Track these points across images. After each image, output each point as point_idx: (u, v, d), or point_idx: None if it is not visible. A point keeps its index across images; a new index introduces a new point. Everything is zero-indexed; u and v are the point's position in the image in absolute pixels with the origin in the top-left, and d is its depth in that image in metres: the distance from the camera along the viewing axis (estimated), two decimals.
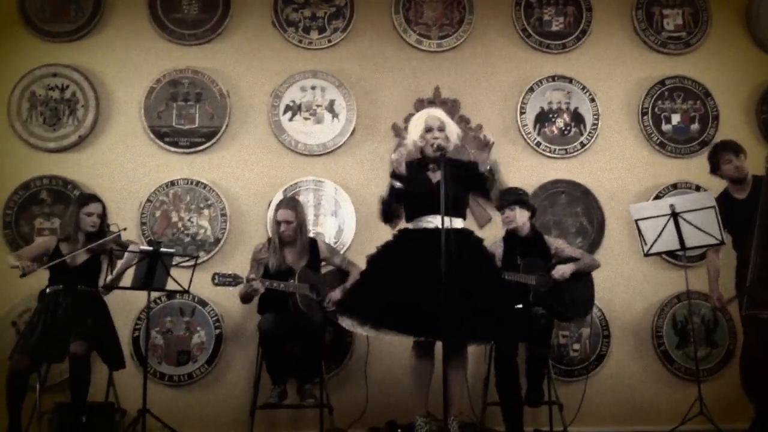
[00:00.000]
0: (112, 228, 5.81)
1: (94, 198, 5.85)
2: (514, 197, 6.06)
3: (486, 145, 4.77)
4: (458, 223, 4.79)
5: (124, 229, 5.82)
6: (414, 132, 4.93)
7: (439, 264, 4.27)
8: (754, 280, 5.31)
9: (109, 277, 5.72)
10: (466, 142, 6.88)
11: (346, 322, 4.68)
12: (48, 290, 5.69)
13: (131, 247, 5.67)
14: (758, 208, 5.41)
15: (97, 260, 5.76)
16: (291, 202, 6.16)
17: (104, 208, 5.83)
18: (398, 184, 4.76)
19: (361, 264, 5.69)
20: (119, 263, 5.73)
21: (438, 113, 4.98)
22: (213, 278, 5.71)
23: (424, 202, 4.73)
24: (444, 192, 4.41)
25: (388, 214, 4.95)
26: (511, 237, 6.14)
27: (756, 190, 5.56)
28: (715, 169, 5.89)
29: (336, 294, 5.98)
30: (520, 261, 5.96)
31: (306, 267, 5.97)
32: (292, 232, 5.99)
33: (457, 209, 4.80)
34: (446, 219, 4.42)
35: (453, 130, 4.93)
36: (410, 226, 4.85)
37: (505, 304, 4.82)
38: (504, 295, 4.87)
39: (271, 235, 6.14)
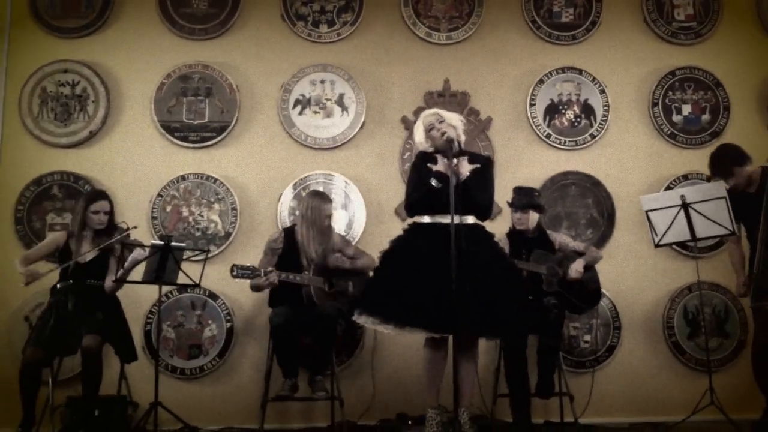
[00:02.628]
0: (121, 225, 5.81)
1: (101, 195, 5.87)
2: (528, 200, 6.08)
3: None
4: (470, 219, 4.77)
5: (135, 227, 5.77)
6: (419, 137, 4.95)
7: (449, 259, 4.29)
8: (760, 272, 5.30)
9: (111, 278, 5.72)
10: (475, 135, 6.90)
11: (365, 320, 4.64)
12: (58, 286, 5.73)
13: (135, 252, 5.63)
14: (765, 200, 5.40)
15: (106, 257, 5.78)
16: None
17: (112, 205, 5.85)
18: (435, 183, 4.73)
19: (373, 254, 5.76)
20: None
21: (430, 111, 5.01)
22: (232, 270, 5.66)
23: (436, 198, 4.72)
24: (453, 184, 4.45)
25: (419, 206, 4.88)
26: (515, 234, 6.16)
27: (765, 182, 5.54)
28: None
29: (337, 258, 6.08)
30: (526, 255, 5.98)
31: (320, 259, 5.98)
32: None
33: (470, 207, 4.77)
34: (458, 216, 4.45)
35: (453, 118, 4.93)
36: (423, 220, 4.83)
37: (516, 298, 4.81)
38: (515, 289, 4.86)
39: (302, 226, 6.03)
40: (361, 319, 4.66)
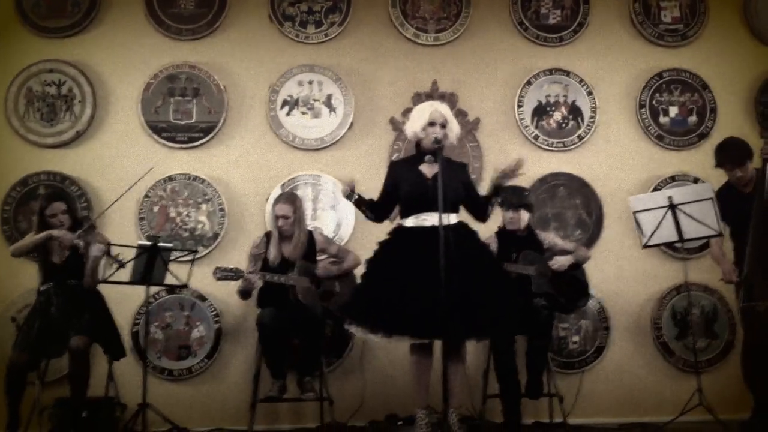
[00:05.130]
0: (85, 220, 5.81)
1: (53, 197, 5.80)
2: (519, 199, 6.08)
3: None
4: (453, 218, 4.78)
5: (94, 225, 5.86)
6: (417, 123, 4.87)
7: (438, 263, 4.28)
8: (750, 272, 5.32)
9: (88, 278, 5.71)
10: (463, 136, 6.89)
11: (355, 329, 4.67)
12: (42, 288, 5.71)
13: (93, 248, 5.62)
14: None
15: (77, 254, 5.70)
16: (289, 197, 6.15)
17: (68, 202, 5.79)
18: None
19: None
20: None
21: (443, 109, 4.91)
22: (214, 272, 5.70)
23: (418, 199, 4.74)
24: (441, 187, 4.43)
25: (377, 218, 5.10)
26: (504, 232, 6.16)
27: (757, 183, 5.56)
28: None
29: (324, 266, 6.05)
30: (516, 255, 5.98)
31: (305, 260, 5.96)
32: (289, 226, 5.99)
33: (453, 204, 4.80)
34: (442, 215, 4.44)
35: (454, 129, 4.91)
36: (406, 223, 4.84)
37: (504, 297, 4.83)
38: (503, 288, 4.89)
39: (270, 229, 6.15)
40: (351, 329, 4.70)
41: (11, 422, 5.37)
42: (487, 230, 6.24)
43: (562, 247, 6.20)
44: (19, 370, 5.40)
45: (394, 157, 6.80)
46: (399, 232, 4.88)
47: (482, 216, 5.07)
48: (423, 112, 4.88)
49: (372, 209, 5.01)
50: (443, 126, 4.82)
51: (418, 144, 4.96)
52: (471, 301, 4.46)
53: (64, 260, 5.67)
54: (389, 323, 4.51)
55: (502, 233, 6.15)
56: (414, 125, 4.90)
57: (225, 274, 5.69)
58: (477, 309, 4.50)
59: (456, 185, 4.84)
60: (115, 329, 5.81)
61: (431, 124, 4.81)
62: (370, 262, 4.86)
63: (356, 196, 4.92)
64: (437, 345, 4.72)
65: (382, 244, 4.87)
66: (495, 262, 5.27)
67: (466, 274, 4.48)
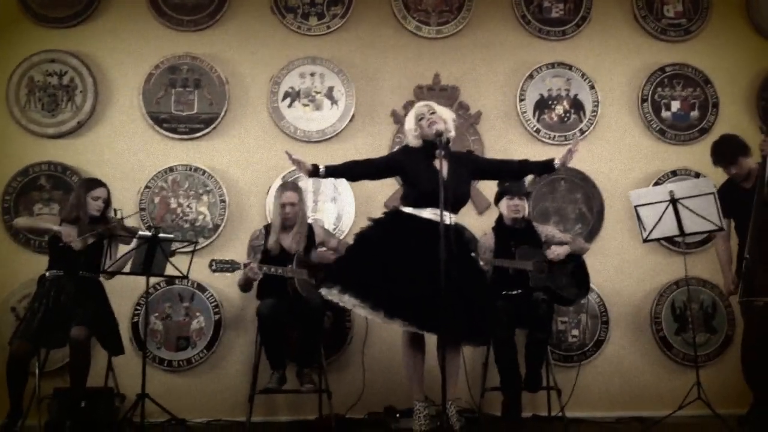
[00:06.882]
0: (118, 214, 5.79)
1: (100, 183, 5.85)
2: (520, 188, 6.09)
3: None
4: (454, 218, 4.84)
5: (130, 215, 5.84)
6: (408, 125, 5.03)
7: (437, 258, 4.32)
8: (748, 268, 5.31)
9: (109, 262, 5.70)
10: (464, 129, 6.90)
11: (347, 300, 4.62)
12: (48, 275, 5.67)
13: (140, 234, 5.65)
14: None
15: (101, 245, 5.73)
16: (295, 185, 6.19)
17: (109, 193, 5.83)
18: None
19: None
20: (122, 248, 5.74)
21: (423, 102, 5.12)
22: (210, 264, 5.70)
23: (429, 194, 4.68)
24: (443, 186, 4.51)
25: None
26: (502, 227, 6.16)
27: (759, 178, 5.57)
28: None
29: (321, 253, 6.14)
30: (514, 249, 5.98)
31: (304, 251, 5.96)
32: (294, 214, 6.00)
33: (457, 205, 4.90)
34: (446, 215, 4.53)
35: (444, 112, 5.02)
36: (408, 210, 4.84)
37: (489, 304, 4.96)
38: (488, 292, 5.08)
39: (271, 220, 6.15)
40: (343, 298, 4.63)
41: (13, 412, 5.36)
42: (484, 227, 6.31)
43: (560, 239, 6.20)
44: (21, 359, 5.38)
45: (395, 150, 6.77)
46: (397, 215, 4.92)
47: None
48: (410, 117, 5.06)
49: (347, 169, 5.17)
50: (432, 112, 4.95)
51: (424, 140, 4.98)
52: (468, 306, 4.53)
53: (85, 249, 5.67)
54: (394, 307, 4.51)
55: (499, 228, 6.15)
56: (408, 128, 5.05)
57: (221, 266, 5.69)
58: (470, 312, 4.55)
59: (465, 188, 4.96)
60: (116, 326, 5.80)
61: (420, 118, 4.96)
62: (362, 236, 4.89)
63: (323, 171, 5.01)
64: (430, 337, 4.74)
65: (377, 221, 4.92)
66: (482, 272, 5.33)
67: (459, 275, 4.53)
